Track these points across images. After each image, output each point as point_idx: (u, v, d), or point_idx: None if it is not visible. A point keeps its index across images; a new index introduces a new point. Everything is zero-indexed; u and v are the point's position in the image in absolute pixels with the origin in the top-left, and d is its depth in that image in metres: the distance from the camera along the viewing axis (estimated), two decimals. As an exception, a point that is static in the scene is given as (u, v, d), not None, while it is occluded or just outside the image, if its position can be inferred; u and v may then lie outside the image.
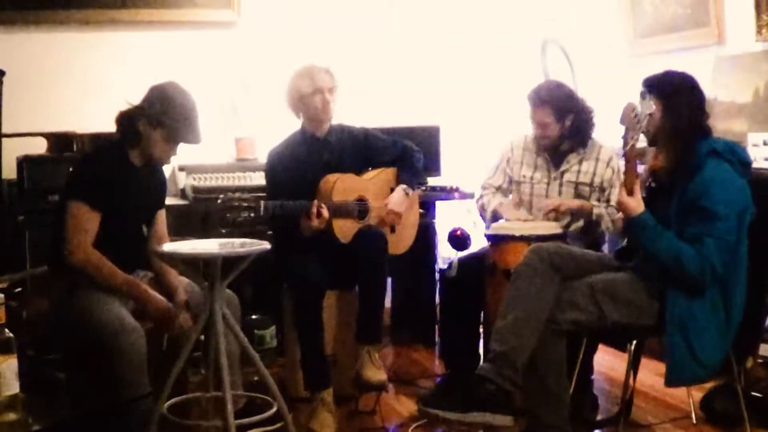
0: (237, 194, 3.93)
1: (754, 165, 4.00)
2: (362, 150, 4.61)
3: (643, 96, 3.43)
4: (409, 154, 4.67)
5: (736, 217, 3.44)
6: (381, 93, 5.88)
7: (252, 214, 3.96)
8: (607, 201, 4.44)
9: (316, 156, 4.47)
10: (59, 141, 4.91)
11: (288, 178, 4.41)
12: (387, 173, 4.64)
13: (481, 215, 4.74)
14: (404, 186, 4.55)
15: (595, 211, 4.40)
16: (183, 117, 3.76)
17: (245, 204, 3.92)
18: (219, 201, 3.92)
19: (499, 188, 4.67)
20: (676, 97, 3.57)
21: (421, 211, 4.87)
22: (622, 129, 3.52)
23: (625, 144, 3.44)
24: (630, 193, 3.49)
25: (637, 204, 3.50)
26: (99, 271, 3.66)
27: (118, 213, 3.75)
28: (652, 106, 3.41)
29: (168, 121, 3.74)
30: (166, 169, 5.05)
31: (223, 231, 4.53)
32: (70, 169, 3.96)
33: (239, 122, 5.61)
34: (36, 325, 3.80)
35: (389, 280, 4.77)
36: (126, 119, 3.80)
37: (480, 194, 4.75)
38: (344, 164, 4.50)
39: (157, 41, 5.52)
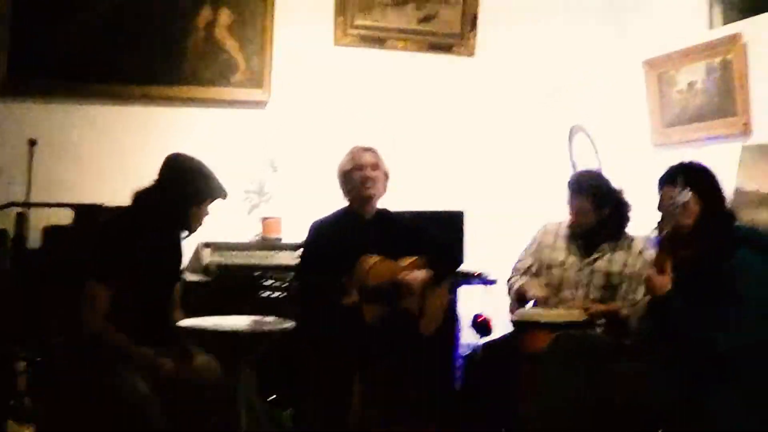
0: (270, 272, 3.90)
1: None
2: (405, 239, 4.56)
3: (679, 184, 3.43)
4: (447, 255, 4.68)
5: (763, 304, 3.42)
6: (407, 176, 5.87)
7: (284, 294, 3.94)
8: (635, 292, 4.41)
9: (357, 236, 4.45)
10: (86, 213, 4.92)
11: (325, 252, 4.40)
12: (422, 262, 4.55)
13: (509, 295, 4.71)
14: (430, 271, 4.49)
15: (623, 312, 4.38)
16: (206, 179, 3.86)
17: (277, 284, 3.90)
18: (252, 278, 3.89)
19: (528, 269, 4.66)
20: (710, 188, 3.61)
21: (450, 295, 4.84)
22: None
23: (660, 230, 3.46)
24: (661, 271, 3.47)
25: (666, 282, 3.48)
26: (108, 343, 3.67)
27: (141, 285, 3.76)
28: (688, 194, 3.43)
29: (192, 189, 3.83)
30: (191, 245, 5.13)
31: (247, 307, 4.50)
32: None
33: (266, 202, 5.62)
34: (55, 394, 3.77)
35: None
36: (150, 199, 3.86)
37: (510, 276, 4.74)
38: (384, 249, 4.44)
39: (188, 118, 5.56)
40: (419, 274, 4.45)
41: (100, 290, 3.70)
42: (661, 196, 3.52)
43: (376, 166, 4.49)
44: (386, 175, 4.57)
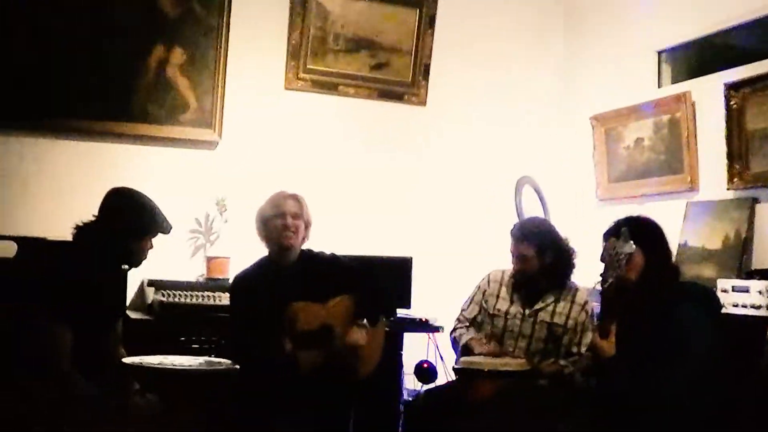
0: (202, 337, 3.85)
1: (722, 311, 4.03)
2: (329, 278, 4.44)
3: (623, 236, 3.45)
4: (371, 287, 4.53)
5: (704, 358, 3.45)
6: (356, 222, 5.89)
7: (212, 356, 3.88)
8: (579, 345, 4.42)
9: (280, 285, 4.32)
10: (29, 246, 4.85)
11: (250, 306, 4.28)
12: (349, 300, 4.44)
13: (453, 347, 4.69)
14: (360, 321, 4.41)
15: (566, 371, 4.37)
16: (148, 213, 3.88)
17: (206, 347, 3.85)
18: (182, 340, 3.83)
19: (473, 320, 4.64)
20: (656, 243, 3.64)
21: (387, 329, 4.76)
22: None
23: (604, 281, 3.46)
24: (604, 335, 3.48)
25: (609, 347, 3.49)
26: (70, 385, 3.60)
27: (84, 320, 3.69)
28: (632, 247, 3.44)
29: (132, 222, 3.84)
30: (135, 283, 5.08)
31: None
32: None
33: (213, 242, 5.59)
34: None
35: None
36: (91, 233, 3.84)
37: (454, 326, 4.71)
38: (309, 293, 4.31)
39: (137, 155, 5.52)
40: (358, 336, 4.36)
41: (64, 332, 3.62)
42: (605, 247, 3.53)
43: (297, 215, 4.35)
44: (308, 224, 4.42)
